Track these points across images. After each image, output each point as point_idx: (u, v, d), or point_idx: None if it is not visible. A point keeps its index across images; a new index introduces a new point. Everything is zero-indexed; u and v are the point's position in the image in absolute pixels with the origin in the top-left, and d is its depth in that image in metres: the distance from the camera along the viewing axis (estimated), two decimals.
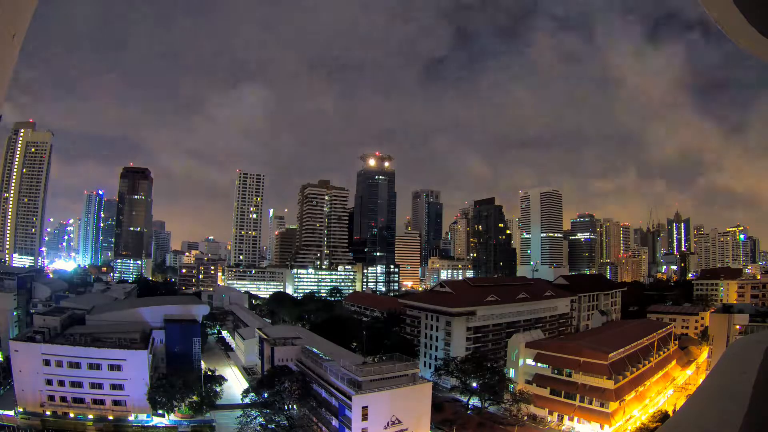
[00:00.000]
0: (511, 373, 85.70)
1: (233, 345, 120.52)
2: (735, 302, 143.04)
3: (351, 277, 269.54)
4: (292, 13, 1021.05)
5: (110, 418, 67.74)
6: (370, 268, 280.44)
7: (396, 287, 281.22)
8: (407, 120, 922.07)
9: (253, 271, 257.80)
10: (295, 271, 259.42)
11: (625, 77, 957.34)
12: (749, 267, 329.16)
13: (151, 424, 68.20)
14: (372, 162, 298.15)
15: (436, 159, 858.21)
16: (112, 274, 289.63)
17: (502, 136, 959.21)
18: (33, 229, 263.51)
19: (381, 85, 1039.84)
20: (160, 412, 68.20)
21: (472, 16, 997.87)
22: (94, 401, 67.81)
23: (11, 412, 67.37)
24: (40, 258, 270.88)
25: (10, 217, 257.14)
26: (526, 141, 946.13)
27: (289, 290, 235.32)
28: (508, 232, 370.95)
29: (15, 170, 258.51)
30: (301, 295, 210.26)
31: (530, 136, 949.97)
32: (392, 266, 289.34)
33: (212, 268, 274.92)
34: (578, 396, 75.63)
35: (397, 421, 58.16)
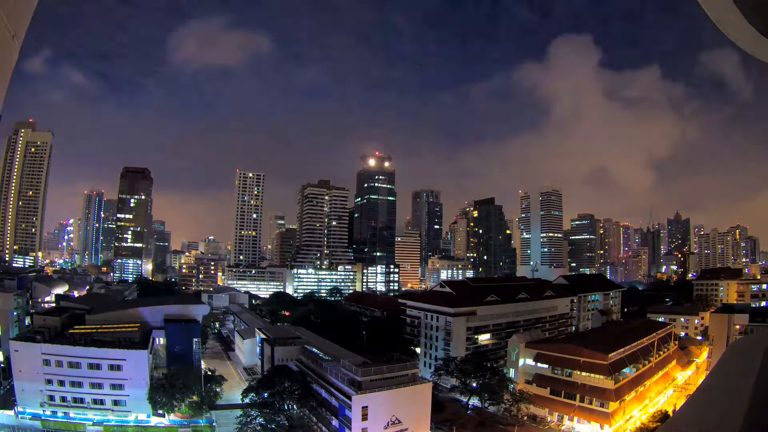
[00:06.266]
0: (511, 373, 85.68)
1: (233, 345, 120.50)
2: (735, 302, 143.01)
3: (351, 277, 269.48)
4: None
5: (110, 418, 67.72)
6: (370, 268, 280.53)
7: (396, 287, 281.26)
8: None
9: (253, 271, 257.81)
10: (295, 271, 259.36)
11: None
12: (749, 267, 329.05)
13: (151, 424, 68.17)
14: (372, 162, 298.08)
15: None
16: (112, 274, 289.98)
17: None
18: (33, 229, 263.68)
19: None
20: (160, 412, 68.19)
21: None
22: (94, 401, 67.80)
23: (11, 412, 67.37)
24: (40, 258, 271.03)
25: (10, 217, 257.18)
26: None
27: (289, 290, 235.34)
28: (508, 232, 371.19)
29: (15, 170, 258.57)
30: (301, 295, 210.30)
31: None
32: (392, 266, 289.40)
33: (212, 268, 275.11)
34: (578, 396, 75.60)
35: (397, 421, 58.18)
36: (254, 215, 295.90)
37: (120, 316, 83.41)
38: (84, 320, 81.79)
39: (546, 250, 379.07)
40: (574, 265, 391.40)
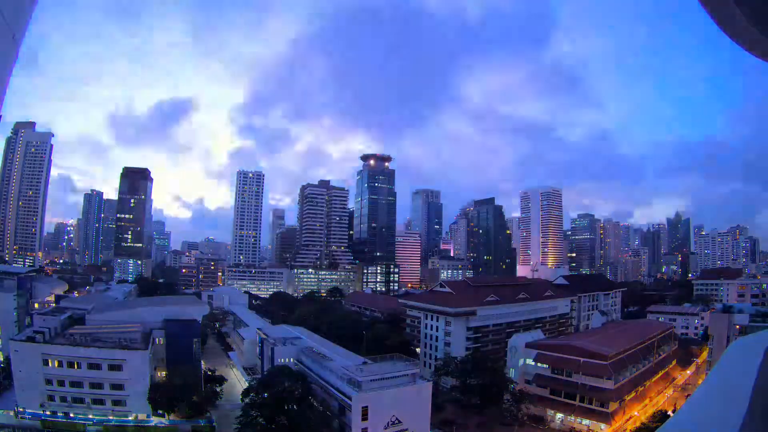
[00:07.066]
0: (511, 373, 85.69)
1: (233, 345, 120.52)
2: (735, 302, 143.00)
3: (351, 277, 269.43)
4: None
5: (110, 418, 67.75)
6: (370, 268, 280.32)
7: (396, 287, 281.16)
8: None
9: (253, 271, 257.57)
10: (295, 271, 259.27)
11: None
12: (749, 267, 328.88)
13: (151, 424, 68.21)
14: (372, 162, 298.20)
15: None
16: (112, 274, 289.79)
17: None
18: (33, 229, 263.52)
19: None
20: (160, 411, 68.23)
21: None
22: (94, 401, 67.79)
23: (11, 412, 67.40)
24: (40, 258, 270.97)
25: (10, 217, 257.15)
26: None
27: (289, 290, 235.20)
28: (508, 232, 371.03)
29: (15, 170, 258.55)
30: (301, 295, 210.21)
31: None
32: (392, 266, 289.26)
33: (212, 268, 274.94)
34: (578, 396, 75.65)
35: (397, 421, 58.15)
36: (254, 215, 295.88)
37: (120, 316, 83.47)
38: (84, 320, 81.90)
39: (546, 250, 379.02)
40: (574, 265, 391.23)
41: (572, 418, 75.20)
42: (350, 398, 56.98)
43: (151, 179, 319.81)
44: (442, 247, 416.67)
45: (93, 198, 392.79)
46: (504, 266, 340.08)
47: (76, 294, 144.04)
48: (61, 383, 67.13)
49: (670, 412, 74.41)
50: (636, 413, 77.36)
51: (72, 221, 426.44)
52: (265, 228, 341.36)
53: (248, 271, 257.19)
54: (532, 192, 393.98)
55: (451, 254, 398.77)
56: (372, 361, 66.52)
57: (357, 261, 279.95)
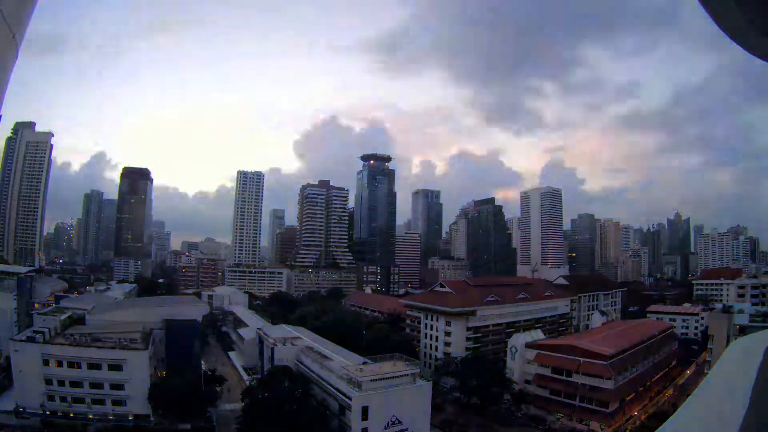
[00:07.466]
0: (511, 373, 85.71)
1: (233, 345, 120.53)
2: (735, 302, 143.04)
3: (351, 277, 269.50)
4: None
5: (110, 418, 67.76)
6: (370, 268, 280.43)
7: (396, 287, 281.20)
8: None
9: (253, 271, 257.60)
10: (295, 271, 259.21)
11: None
12: (749, 267, 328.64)
13: (151, 424, 68.20)
14: (372, 162, 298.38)
15: None
16: (112, 274, 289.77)
17: None
18: (33, 229, 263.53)
19: None
20: (160, 412, 68.22)
21: None
22: (94, 401, 67.80)
23: (11, 412, 67.36)
24: (40, 258, 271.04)
25: (10, 216, 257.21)
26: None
27: (290, 290, 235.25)
28: (508, 232, 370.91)
29: (15, 170, 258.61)
30: (301, 295, 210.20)
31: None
32: (392, 266, 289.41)
33: (212, 268, 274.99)
34: (578, 396, 75.67)
35: (397, 421, 58.15)
36: (254, 215, 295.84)
37: (120, 316, 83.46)
38: (84, 320, 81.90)
39: (546, 250, 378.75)
40: (574, 265, 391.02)
41: (572, 418, 75.22)
42: (350, 398, 56.97)
43: (151, 179, 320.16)
44: (442, 247, 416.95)
45: (93, 198, 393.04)
46: (504, 266, 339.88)
47: (76, 294, 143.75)
48: (61, 383, 67.10)
49: (670, 412, 74.48)
50: (636, 413, 77.40)
51: (72, 221, 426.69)
52: (265, 228, 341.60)
53: (248, 271, 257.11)
54: (531, 192, 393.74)
55: (451, 254, 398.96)
56: (372, 361, 66.50)
57: (357, 261, 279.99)
